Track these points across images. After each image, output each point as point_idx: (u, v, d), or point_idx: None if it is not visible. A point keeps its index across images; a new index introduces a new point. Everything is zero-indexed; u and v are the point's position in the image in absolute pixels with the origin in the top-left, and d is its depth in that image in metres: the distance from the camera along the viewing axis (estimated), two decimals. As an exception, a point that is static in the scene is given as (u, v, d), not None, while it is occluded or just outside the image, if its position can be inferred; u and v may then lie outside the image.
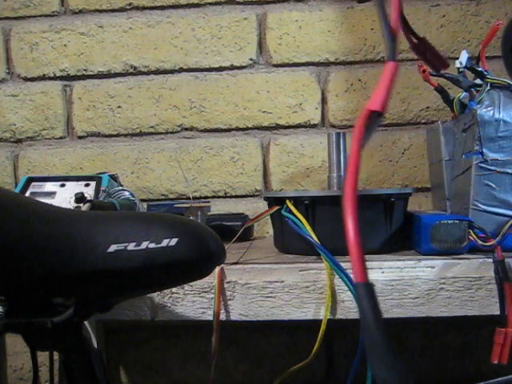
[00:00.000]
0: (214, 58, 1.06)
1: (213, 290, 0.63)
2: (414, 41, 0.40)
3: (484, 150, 0.66)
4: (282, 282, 0.62)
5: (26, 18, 1.07)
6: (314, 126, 1.05)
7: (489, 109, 0.66)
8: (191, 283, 0.63)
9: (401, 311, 0.61)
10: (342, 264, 0.60)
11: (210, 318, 0.63)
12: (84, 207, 0.65)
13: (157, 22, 1.06)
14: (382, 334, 0.25)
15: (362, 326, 0.26)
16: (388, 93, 0.31)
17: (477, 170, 0.66)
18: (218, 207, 1.05)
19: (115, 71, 1.07)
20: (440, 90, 0.77)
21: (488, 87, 0.68)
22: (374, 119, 0.31)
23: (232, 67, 1.06)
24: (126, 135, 1.07)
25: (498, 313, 0.59)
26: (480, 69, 0.70)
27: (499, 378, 0.61)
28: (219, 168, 1.06)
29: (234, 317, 0.63)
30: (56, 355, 0.53)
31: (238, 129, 1.06)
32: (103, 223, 0.48)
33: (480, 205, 0.66)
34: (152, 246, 0.46)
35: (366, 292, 0.26)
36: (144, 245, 0.46)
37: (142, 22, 1.06)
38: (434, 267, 0.61)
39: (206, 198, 1.06)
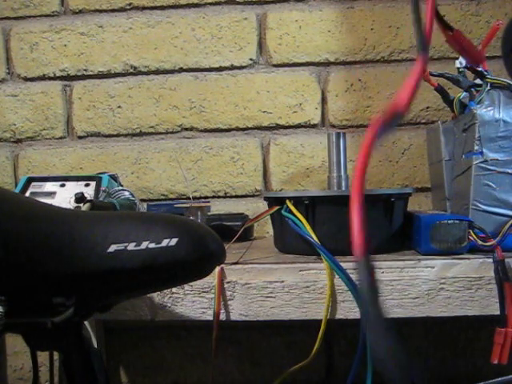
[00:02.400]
0: (213, 58, 1.06)
1: (213, 290, 0.63)
2: (450, 34, 0.39)
3: (484, 150, 0.66)
4: (282, 281, 0.62)
5: (26, 17, 1.07)
6: (314, 126, 1.05)
7: (489, 109, 0.66)
8: (191, 283, 0.63)
9: (401, 311, 0.61)
10: (342, 264, 0.60)
11: (210, 318, 0.63)
12: (84, 207, 0.65)
13: (157, 21, 1.06)
14: (380, 311, 0.24)
15: (362, 303, 0.25)
16: (414, 93, 0.29)
17: (477, 170, 0.66)
18: (218, 207, 1.05)
19: (115, 71, 1.07)
20: (440, 90, 0.77)
21: (488, 87, 0.68)
22: (394, 119, 0.29)
23: (232, 67, 1.06)
24: (126, 135, 1.07)
25: (498, 313, 0.59)
26: (480, 69, 0.70)
27: (499, 378, 0.61)
28: (219, 168, 1.06)
29: (234, 317, 0.63)
30: (56, 355, 0.53)
31: (238, 129, 1.06)
32: (103, 223, 0.48)
33: (480, 205, 0.66)
34: (152, 245, 0.46)
35: (366, 269, 0.25)
36: (144, 245, 0.46)
37: (142, 22, 1.06)
38: (434, 267, 0.61)
39: (206, 197, 1.06)
